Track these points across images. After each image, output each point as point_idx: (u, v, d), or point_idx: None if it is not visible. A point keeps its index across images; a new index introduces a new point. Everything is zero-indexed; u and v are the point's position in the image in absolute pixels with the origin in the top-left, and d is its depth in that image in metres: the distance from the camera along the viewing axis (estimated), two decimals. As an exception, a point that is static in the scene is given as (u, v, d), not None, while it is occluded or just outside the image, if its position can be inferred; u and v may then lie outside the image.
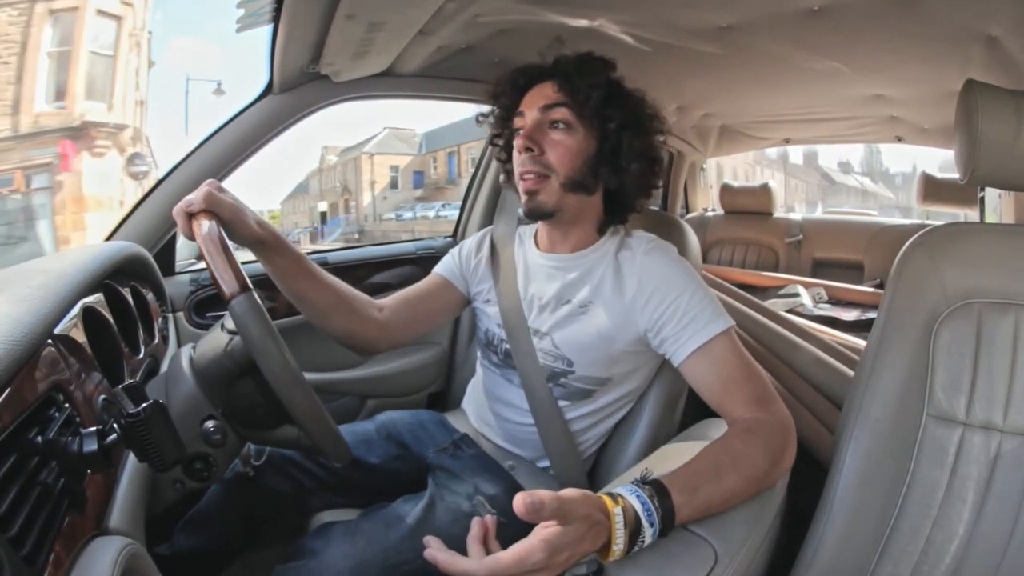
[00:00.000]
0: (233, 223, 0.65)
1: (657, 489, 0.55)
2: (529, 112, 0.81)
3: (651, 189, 0.86)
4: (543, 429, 0.84)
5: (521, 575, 0.49)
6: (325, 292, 0.80)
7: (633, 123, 0.80)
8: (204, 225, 0.59)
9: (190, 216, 0.62)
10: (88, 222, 7.22)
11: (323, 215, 20.31)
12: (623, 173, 0.81)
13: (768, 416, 0.67)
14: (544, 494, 0.48)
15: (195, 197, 0.62)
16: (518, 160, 0.80)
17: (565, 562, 0.50)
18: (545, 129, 0.79)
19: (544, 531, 0.49)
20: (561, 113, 0.79)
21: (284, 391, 0.54)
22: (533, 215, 0.81)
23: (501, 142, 0.90)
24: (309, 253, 1.37)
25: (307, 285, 0.77)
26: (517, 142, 0.80)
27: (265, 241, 0.70)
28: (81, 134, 7.38)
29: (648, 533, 0.53)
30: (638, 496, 0.54)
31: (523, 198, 0.81)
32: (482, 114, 0.92)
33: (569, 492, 0.51)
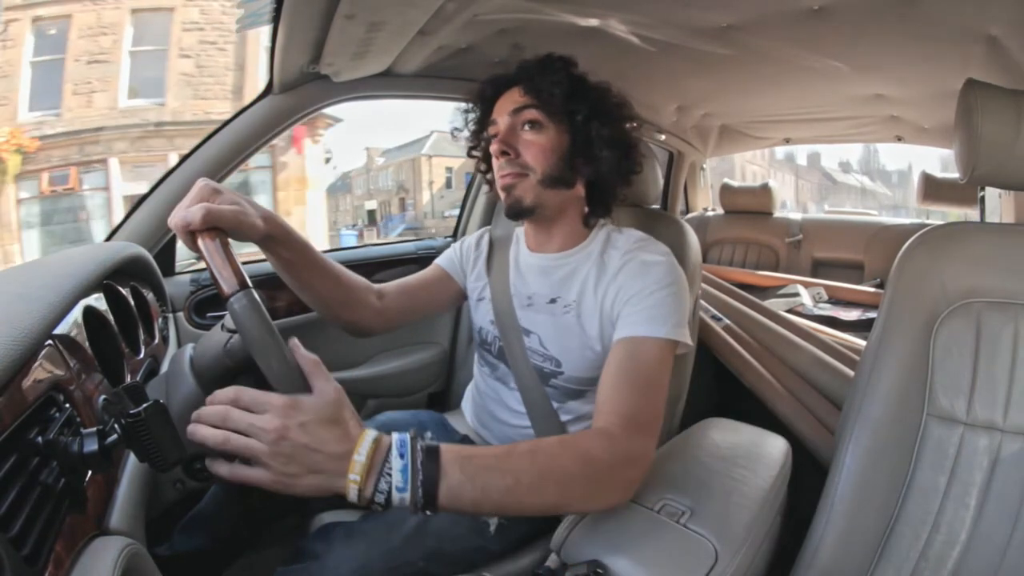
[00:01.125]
0: (237, 229, 0.60)
1: (424, 444, 0.52)
2: (500, 118, 0.82)
3: (629, 176, 0.87)
4: (539, 431, 0.84)
5: (249, 413, 0.48)
6: (327, 281, 0.79)
7: (599, 112, 0.81)
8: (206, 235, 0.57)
9: (192, 233, 0.57)
10: (307, 198, 8.34)
11: (371, 213, 20.71)
12: (597, 162, 0.82)
13: (620, 435, 0.61)
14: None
15: (193, 216, 0.55)
16: (496, 165, 0.82)
17: (291, 442, 0.47)
18: (517, 131, 0.81)
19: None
20: (530, 114, 0.80)
21: (283, 389, 0.54)
22: (513, 212, 0.82)
23: (479, 153, 0.92)
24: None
25: (310, 275, 0.77)
26: (493, 147, 0.81)
27: (272, 235, 0.68)
28: (310, 122, 8.13)
29: (397, 466, 0.49)
30: (400, 438, 0.52)
31: (502, 196, 0.82)
32: (456, 129, 0.93)
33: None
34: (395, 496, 0.50)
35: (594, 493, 0.58)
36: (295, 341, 0.54)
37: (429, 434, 0.54)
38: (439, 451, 0.52)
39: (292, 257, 0.73)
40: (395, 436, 0.52)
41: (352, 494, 0.49)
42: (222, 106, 7.54)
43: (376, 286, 0.89)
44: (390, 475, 0.50)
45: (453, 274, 0.97)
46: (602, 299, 0.78)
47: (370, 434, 0.51)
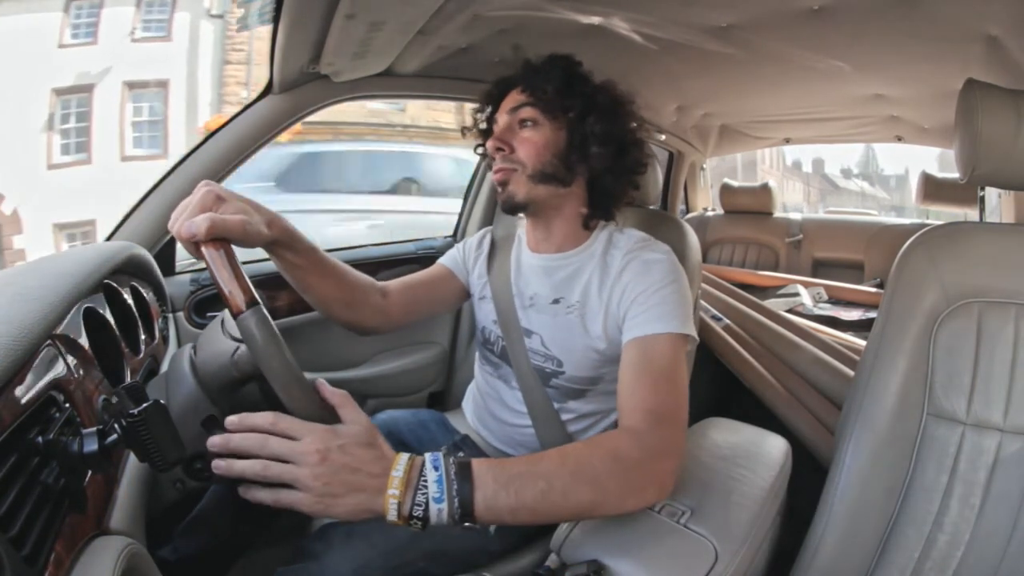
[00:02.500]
0: (243, 239, 0.58)
1: (456, 459, 0.54)
2: (500, 117, 0.84)
3: (630, 176, 0.85)
4: (540, 430, 0.84)
5: (289, 440, 0.50)
6: (332, 284, 0.78)
7: (593, 108, 0.81)
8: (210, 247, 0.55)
9: (196, 243, 0.55)
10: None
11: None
12: (591, 159, 0.81)
13: (647, 431, 0.62)
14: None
15: (198, 227, 0.53)
16: (494, 162, 0.83)
17: (332, 464, 0.50)
18: (515, 129, 0.82)
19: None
20: (527, 112, 0.81)
21: (294, 405, 0.53)
22: (506, 207, 0.83)
23: (483, 151, 0.92)
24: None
25: (316, 279, 0.76)
26: (488, 144, 0.83)
27: (278, 240, 0.66)
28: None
29: (432, 478, 0.52)
30: (433, 455, 0.54)
31: (498, 192, 0.83)
32: (466, 127, 0.94)
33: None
34: (433, 509, 0.51)
35: (628, 490, 0.58)
36: (321, 380, 0.56)
37: (461, 453, 0.56)
38: (471, 463, 0.54)
39: (298, 260, 0.72)
40: (428, 454, 0.54)
41: (392, 510, 0.51)
42: (446, 117, 8.72)
43: (380, 284, 0.89)
44: (426, 487, 0.51)
45: (457, 272, 0.97)
46: (607, 300, 0.78)
47: (404, 454, 0.54)
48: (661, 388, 0.66)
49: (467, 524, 0.52)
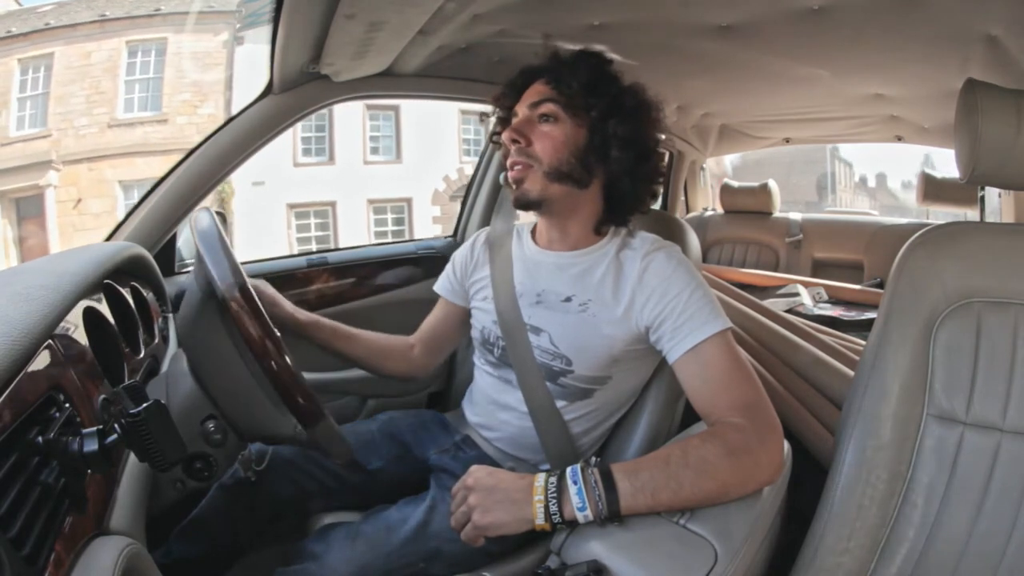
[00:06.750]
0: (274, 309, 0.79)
1: (597, 467, 0.62)
2: (520, 109, 0.83)
3: (648, 184, 0.85)
4: (542, 430, 0.84)
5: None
6: (361, 347, 0.94)
7: (617, 111, 0.80)
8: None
9: None
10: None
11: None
12: (610, 162, 0.81)
13: (745, 423, 0.65)
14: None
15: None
16: (510, 154, 0.82)
17: (494, 487, 0.63)
18: (534, 123, 0.81)
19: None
20: (547, 107, 0.80)
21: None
22: (520, 204, 0.82)
23: (499, 140, 0.91)
24: (308, 253, 1.37)
25: (344, 345, 0.93)
26: (505, 135, 0.82)
27: (304, 323, 0.89)
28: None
29: (572, 491, 0.60)
30: (571, 469, 0.62)
31: (512, 188, 0.82)
32: (484, 113, 0.93)
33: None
34: (578, 515, 0.59)
35: (747, 477, 0.63)
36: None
37: (596, 459, 0.64)
38: (611, 472, 0.61)
39: (325, 336, 0.92)
40: (568, 468, 0.63)
41: (540, 514, 0.60)
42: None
43: (412, 339, 1.01)
44: (563, 495, 0.60)
45: (453, 299, 0.99)
46: (629, 301, 0.78)
47: (541, 473, 0.64)
48: (736, 383, 0.70)
49: (613, 522, 0.60)
